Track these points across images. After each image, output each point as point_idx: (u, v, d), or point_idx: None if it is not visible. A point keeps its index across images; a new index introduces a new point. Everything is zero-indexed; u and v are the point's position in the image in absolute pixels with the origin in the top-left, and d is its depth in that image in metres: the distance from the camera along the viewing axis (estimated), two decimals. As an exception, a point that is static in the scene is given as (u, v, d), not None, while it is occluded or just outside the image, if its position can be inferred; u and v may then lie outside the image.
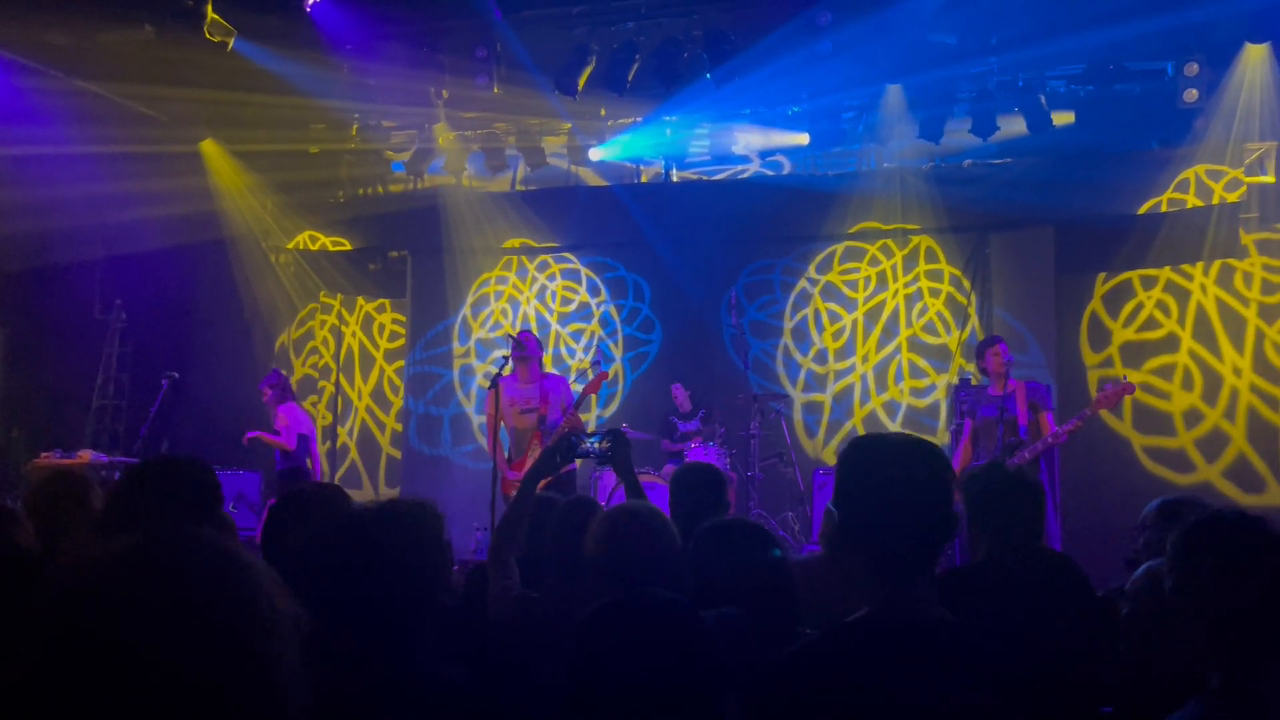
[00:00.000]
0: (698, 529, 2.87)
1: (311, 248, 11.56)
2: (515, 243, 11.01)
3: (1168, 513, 3.15)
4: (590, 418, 10.41)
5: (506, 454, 7.08)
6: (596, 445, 3.60)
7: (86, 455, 8.08)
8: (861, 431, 9.76)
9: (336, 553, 1.96)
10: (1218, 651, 1.72)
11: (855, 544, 1.87)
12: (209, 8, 7.66)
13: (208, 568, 1.03)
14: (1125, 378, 6.96)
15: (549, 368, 8.76)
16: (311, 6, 7.86)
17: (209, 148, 10.69)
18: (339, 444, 11.01)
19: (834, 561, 3.59)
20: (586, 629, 1.90)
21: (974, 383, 8.60)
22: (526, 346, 7.10)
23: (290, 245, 11.50)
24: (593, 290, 10.85)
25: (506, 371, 6.88)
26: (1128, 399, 7.39)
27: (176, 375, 8.00)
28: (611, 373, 10.44)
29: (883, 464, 1.86)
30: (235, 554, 1.07)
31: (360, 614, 1.88)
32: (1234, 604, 1.73)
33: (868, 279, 10.07)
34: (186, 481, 2.71)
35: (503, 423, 7.02)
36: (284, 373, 8.87)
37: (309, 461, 8.35)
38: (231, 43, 7.94)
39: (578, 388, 8.75)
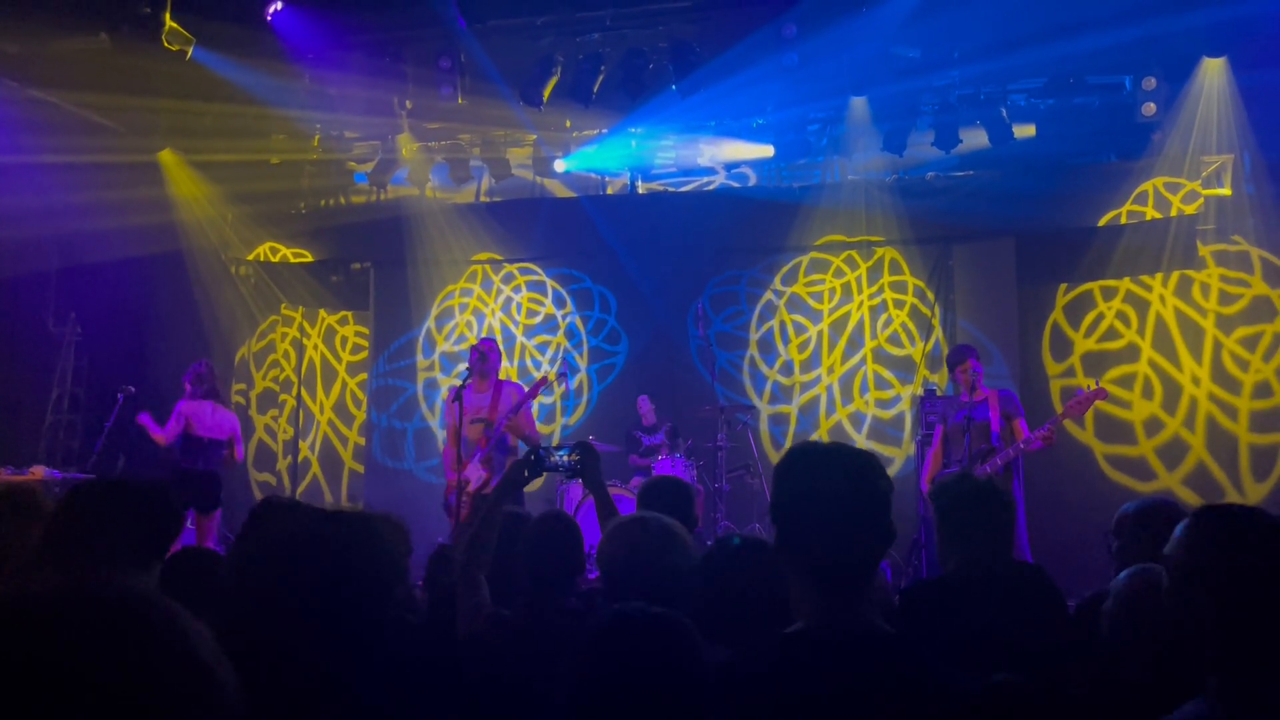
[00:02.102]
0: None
1: (272, 259, 11.40)
2: (480, 255, 10.94)
3: (1147, 516, 3.14)
4: (555, 429, 10.35)
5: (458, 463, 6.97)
6: (565, 458, 3.55)
7: (39, 471, 7.87)
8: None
9: (294, 560, 1.92)
10: (1224, 646, 1.69)
11: (789, 556, 1.85)
12: (167, 15, 7.54)
13: (131, 629, 0.94)
14: (1097, 384, 7.01)
15: (514, 379, 8.67)
16: (272, 15, 7.76)
17: (167, 158, 10.52)
18: (300, 458, 10.84)
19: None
20: (593, 644, 1.85)
21: (939, 393, 8.66)
22: (487, 356, 7.02)
23: (250, 257, 11.34)
24: (558, 302, 10.79)
25: (469, 382, 6.79)
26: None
27: (133, 389, 7.80)
28: (577, 383, 10.38)
29: (816, 475, 1.84)
30: (170, 618, 0.97)
31: (318, 624, 1.84)
32: (1246, 593, 1.68)
33: (833, 291, 10.11)
34: (141, 515, 2.59)
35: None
36: (213, 367, 8.29)
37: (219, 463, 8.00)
38: (190, 51, 7.82)
39: (542, 399, 8.72)
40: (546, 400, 10.31)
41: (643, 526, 2.67)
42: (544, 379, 7.47)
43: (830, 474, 1.82)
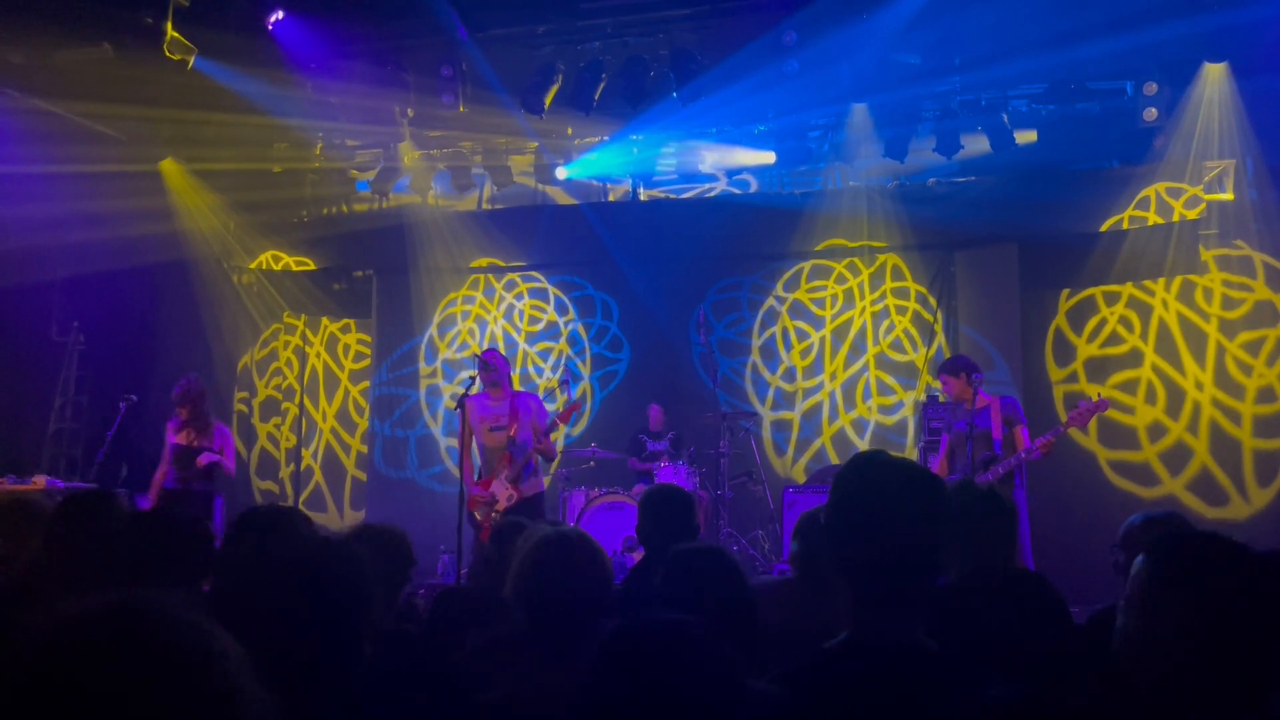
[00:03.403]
0: (667, 555, 2.82)
1: (275, 268, 11.42)
2: (482, 262, 10.95)
3: (1154, 529, 3.13)
4: (559, 436, 10.34)
5: (476, 473, 6.98)
6: None
7: (41, 481, 7.87)
8: (830, 450, 9.77)
9: (291, 577, 1.93)
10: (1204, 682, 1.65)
11: (845, 566, 1.83)
12: (169, 25, 7.55)
13: (172, 647, 1.00)
14: (1100, 395, 6.98)
15: (517, 387, 8.68)
16: (273, 24, 7.78)
17: (169, 167, 10.54)
18: (303, 466, 10.84)
19: (806, 584, 3.56)
20: (605, 653, 1.84)
21: (941, 399, 8.64)
22: (493, 365, 7.00)
23: (253, 265, 11.35)
24: (560, 309, 10.80)
25: (474, 390, 6.78)
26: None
27: (135, 398, 7.79)
28: (579, 391, 10.38)
29: (883, 489, 1.82)
30: (207, 635, 1.03)
31: (305, 639, 1.86)
32: (1216, 637, 1.60)
33: (835, 297, 10.10)
34: (175, 541, 2.61)
35: (474, 441, 6.92)
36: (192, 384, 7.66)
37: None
38: (192, 61, 7.82)
39: (553, 408, 8.68)
40: (550, 407, 10.30)
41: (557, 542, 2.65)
42: (574, 406, 7.50)
43: (901, 490, 1.81)
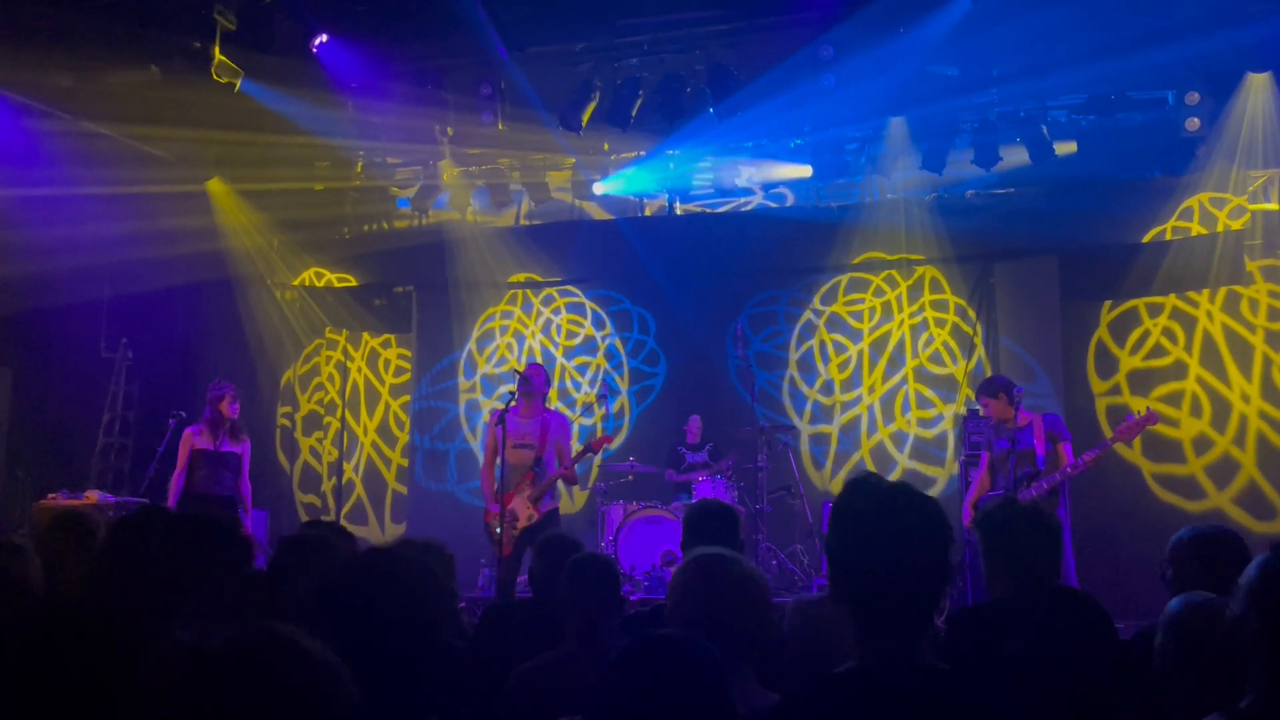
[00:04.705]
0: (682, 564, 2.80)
1: (317, 284, 11.59)
2: (520, 277, 11.04)
3: (1203, 544, 3.10)
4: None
5: (497, 486, 6.95)
6: None
7: (94, 496, 8.02)
8: (870, 463, 9.73)
9: (345, 595, 1.97)
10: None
11: (845, 594, 1.82)
12: (216, 49, 7.70)
13: (304, 673, 1.08)
14: (1148, 409, 6.90)
15: (554, 401, 8.72)
16: (317, 47, 7.91)
17: (215, 187, 10.74)
18: (345, 480, 10.97)
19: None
20: (616, 671, 1.88)
21: (981, 414, 8.58)
22: (533, 381, 7.03)
23: (296, 282, 11.53)
24: (597, 323, 10.86)
25: (512, 405, 6.82)
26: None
27: (184, 414, 7.92)
28: (616, 405, 10.41)
29: (877, 513, 1.80)
30: (334, 667, 1.12)
31: (368, 656, 1.88)
32: None
33: (872, 310, 10.07)
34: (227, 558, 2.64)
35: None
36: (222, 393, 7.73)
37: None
38: (238, 83, 7.98)
39: (590, 422, 8.73)
40: (586, 422, 10.36)
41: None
42: (609, 438, 7.54)
43: (896, 514, 1.79)
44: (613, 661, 1.90)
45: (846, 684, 1.77)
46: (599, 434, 7.88)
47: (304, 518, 10.93)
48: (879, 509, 1.81)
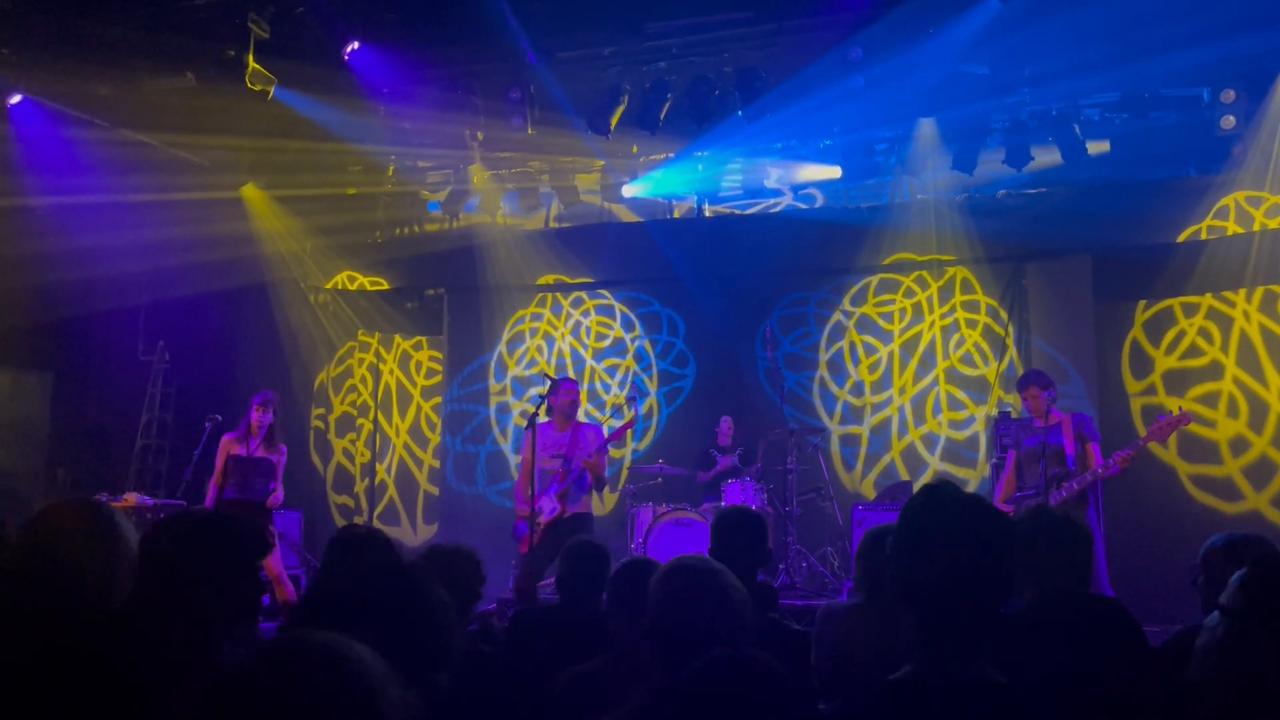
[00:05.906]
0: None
1: (350, 287, 11.72)
2: (550, 279, 11.10)
3: (1236, 550, 3.08)
4: (625, 453, 10.42)
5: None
6: None
7: (132, 498, 8.17)
8: (900, 465, 9.69)
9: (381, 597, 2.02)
10: None
11: (910, 599, 1.84)
12: (250, 57, 7.82)
13: (343, 679, 1.10)
14: (1181, 409, 6.83)
15: (584, 403, 8.78)
16: (349, 54, 8.00)
17: (250, 193, 10.90)
18: (377, 481, 11.09)
19: (871, 609, 3.56)
20: (689, 687, 1.91)
21: (1014, 415, 8.52)
22: (566, 394, 7.19)
23: (329, 285, 11.66)
24: (627, 325, 10.89)
25: (543, 415, 6.93)
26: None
27: (220, 418, 8.06)
28: (645, 407, 10.44)
29: (952, 518, 1.83)
30: (384, 676, 1.14)
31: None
32: None
33: (903, 311, 10.03)
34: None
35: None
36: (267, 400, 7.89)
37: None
38: (272, 91, 8.09)
39: (611, 421, 8.76)
40: (615, 423, 10.38)
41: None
42: (627, 424, 7.59)
43: (967, 524, 1.82)
44: (692, 675, 1.92)
45: (908, 692, 1.78)
46: (626, 411, 7.99)
47: (337, 518, 11.06)
48: (958, 517, 1.83)
